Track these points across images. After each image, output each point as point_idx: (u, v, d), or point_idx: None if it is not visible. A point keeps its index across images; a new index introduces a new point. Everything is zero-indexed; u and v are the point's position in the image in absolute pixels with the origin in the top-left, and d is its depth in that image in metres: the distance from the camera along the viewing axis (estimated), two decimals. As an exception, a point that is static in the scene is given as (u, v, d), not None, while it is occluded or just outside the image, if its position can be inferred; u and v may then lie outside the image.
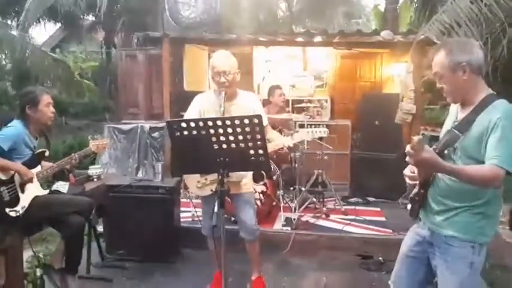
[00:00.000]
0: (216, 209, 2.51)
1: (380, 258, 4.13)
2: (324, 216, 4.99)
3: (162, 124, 6.54)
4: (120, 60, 8.34)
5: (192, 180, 3.27)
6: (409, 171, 2.25)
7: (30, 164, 3.10)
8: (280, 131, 4.92)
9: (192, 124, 2.45)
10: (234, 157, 2.50)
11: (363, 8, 18.31)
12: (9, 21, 13.15)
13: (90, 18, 14.72)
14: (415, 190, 2.24)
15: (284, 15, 14.79)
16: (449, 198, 2.11)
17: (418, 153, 1.87)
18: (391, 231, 4.53)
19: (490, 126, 1.96)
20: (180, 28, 6.26)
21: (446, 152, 2.10)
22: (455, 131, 2.09)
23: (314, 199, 5.14)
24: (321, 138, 5.29)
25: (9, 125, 3.09)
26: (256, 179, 4.64)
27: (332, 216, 5.00)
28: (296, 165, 4.98)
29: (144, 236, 4.00)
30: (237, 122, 2.41)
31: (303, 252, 4.31)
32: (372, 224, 4.76)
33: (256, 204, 4.62)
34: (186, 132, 2.46)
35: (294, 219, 4.62)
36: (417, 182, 2.23)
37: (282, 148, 3.38)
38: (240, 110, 3.23)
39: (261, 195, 4.66)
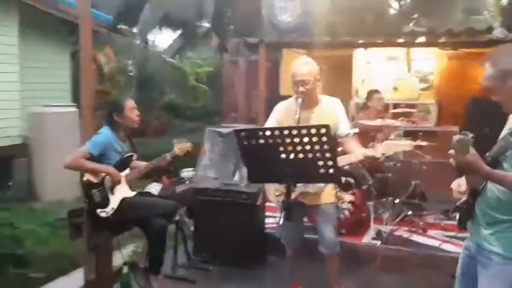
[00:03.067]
0: (281, 221, 2.44)
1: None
2: (420, 231, 4.62)
3: (258, 128, 6.60)
4: (224, 66, 8.63)
5: (271, 188, 3.23)
6: (456, 184, 2.15)
7: (119, 167, 3.30)
8: (373, 138, 4.68)
9: (259, 133, 2.41)
10: (302, 168, 2.41)
11: (486, 2, 16.70)
12: (134, 29, 14.30)
13: (206, 25, 15.48)
14: (463, 198, 2.10)
15: (395, 14, 14.10)
16: (498, 211, 1.94)
17: (461, 156, 1.77)
18: (496, 252, 4.02)
19: None
20: (277, 33, 6.27)
21: (499, 159, 1.92)
22: (510, 138, 1.92)
23: (409, 212, 4.78)
24: (420, 147, 4.94)
25: (98, 132, 3.32)
26: (344, 188, 4.47)
27: (430, 232, 4.61)
28: (390, 174, 4.68)
29: (227, 240, 4.06)
30: (303, 131, 2.31)
31: (392, 269, 4.03)
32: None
33: (344, 214, 4.48)
34: (253, 142, 2.43)
35: (385, 232, 4.34)
36: (465, 191, 2.09)
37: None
38: (319, 119, 3.11)
39: (350, 205, 4.46)
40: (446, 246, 4.23)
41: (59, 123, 7.34)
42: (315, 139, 2.30)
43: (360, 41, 5.96)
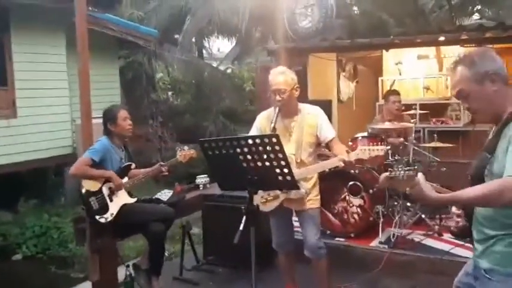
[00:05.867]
0: (241, 227, 2.57)
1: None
2: (435, 235, 4.51)
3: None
4: (256, 72, 8.78)
5: (256, 196, 3.32)
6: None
7: (118, 175, 3.56)
8: (382, 141, 4.62)
9: (220, 143, 2.54)
10: (262, 175, 2.51)
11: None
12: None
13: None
14: (462, 223, 2.06)
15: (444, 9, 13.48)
16: (486, 226, 1.86)
17: (403, 188, 1.77)
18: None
19: (510, 140, 1.71)
20: (298, 38, 6.34)
21: (482, 175, 1.84)
22: (485, 153, 1.84)
23: (423, 215, 4.67)
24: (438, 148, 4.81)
25: (97, 139, 3.61)
26: (353, 192, 4.49)
27: (446, 236, 4.48)
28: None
29: (233, 244, 4.19)
30: (257, 140, 2.42)
31: (396, 274, 3.98)
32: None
33: (354, 218, 4.50)
34: (217, 151, 2.56)
35: (394, 235, 4.29)
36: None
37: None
38: (299, 127, 3.19)
39: (358, 209, 4.46)
40: (458, 251, 4.10)
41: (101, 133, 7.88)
42: (268, 148, 2.40)
43: (376, 43, 5.84)
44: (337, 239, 4.48)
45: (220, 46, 19.06)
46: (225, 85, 14.76)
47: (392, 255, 4.06)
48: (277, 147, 2.38)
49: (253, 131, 3.35)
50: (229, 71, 16.59)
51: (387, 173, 1.76)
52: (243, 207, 2.63)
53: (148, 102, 13.41)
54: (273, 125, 3.03)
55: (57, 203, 8.23)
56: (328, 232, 4.51)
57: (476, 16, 13.98)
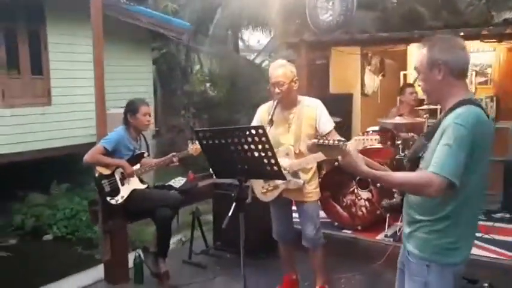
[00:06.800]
0: (230, 213, 2.70)
1: (485, 284, 3.57)
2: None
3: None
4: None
5: (257, 186, 3.44)
6: None
7: (130, 163, 3.75)
8: (393, 136, 4.64)
9: (213, 133, 2.68)
10: (251, 165, 2.63)
11: None
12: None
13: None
14: (398, 199, 2.14)
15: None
16: (413, 210, 1.97)
17: (345, 161, 1.89)
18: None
19: (443, 132, 1.79)
20: (319, 32, 6.37)
21: (419, 159, 1.97)
22: (423, 139, 1.98)
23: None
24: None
25: (114, 129, 3.80)
26: (361, 186, 4.53)
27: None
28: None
29: (239, 231, 4.34)
30: (246, 132, 2.53)
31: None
32: (497, 245, 4.08)
33: (362, 211, 4.55)
34: (210, 141, 2.70)
35: (400, 229, 4.31)
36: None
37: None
38: (298, 119, 3.27)
39: (366, 202, 4.51)
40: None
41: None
42: (256, 139, 2.51)
43: (396, 36, 5.80)
44: (344, 231, 4.54)
45: (260, 38, 19.12)
46: (258, 78, 14.88)
47: (396, 249, 4.04)
48: (263, 138, 2.48)
49: (254, 123, 3.45)
50: (265, 63, 16.65)
51: (315, 140, 1.90)
52: (232, 194, 2.76)
53: (182, 93, 13.71)
54: (270, 117, 3.12)
55: (87, 187, 8.63)
56: (336, 224, 4.59)
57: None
